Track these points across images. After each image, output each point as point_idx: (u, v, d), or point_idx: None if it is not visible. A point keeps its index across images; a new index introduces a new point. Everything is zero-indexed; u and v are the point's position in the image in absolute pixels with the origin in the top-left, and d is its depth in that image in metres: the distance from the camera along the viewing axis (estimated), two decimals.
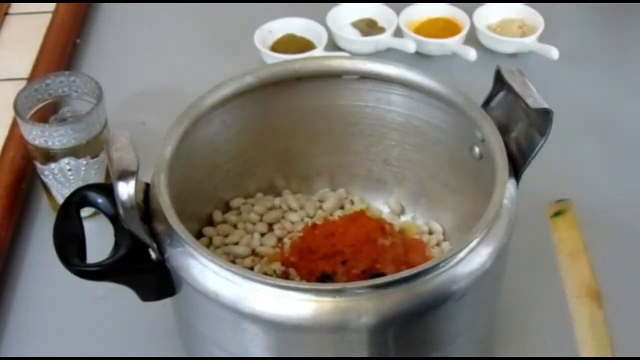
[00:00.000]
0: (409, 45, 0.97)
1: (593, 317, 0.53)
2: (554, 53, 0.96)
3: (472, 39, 1.00)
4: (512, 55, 0.99)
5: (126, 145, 0.57)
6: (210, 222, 0.74)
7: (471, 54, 0.96)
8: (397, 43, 0.99)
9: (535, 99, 0.60)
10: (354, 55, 0.95)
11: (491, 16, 1.02)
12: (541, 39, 0.98)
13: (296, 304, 0.53)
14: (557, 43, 0.97)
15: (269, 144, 0.73)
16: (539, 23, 0.99)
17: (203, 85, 0.67)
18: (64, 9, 1.04)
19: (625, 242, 0.77)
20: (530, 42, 0.98)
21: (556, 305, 0.72)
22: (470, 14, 1.00)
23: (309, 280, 0.66)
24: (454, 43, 0.98)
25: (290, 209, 0.75)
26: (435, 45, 0.98)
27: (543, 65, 0.97)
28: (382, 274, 0.64)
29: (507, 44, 0.99)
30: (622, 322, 0.71)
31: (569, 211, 0.58)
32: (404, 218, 0.75)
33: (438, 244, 0.72)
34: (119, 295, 0.62)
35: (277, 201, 0.75)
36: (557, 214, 0.58)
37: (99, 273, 0.57)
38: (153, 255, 0.58)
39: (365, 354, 0.56)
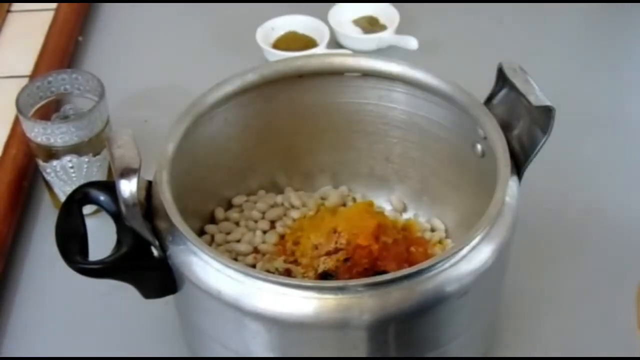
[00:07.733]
0: (411, 42, 0.97)
1: None
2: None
3: None
4: None
5: (128, 142, 0.57)
6: (212, 220, 0.74)
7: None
8: (399, 40, 0.99)
9: (537, 96, 0.59)
10: (356, 52, 0.95)
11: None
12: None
13: (298, 302, 0.53)
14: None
15: (271, 141, 0.73)
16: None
17: (205, 82, 0.67)
18: (66, 7, 1.04)
19: (625, 239, 0.77)
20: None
21: (557, 304, 0.73)
22: None
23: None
24: None
25: (293, 207, 0.75)
26: None
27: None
28: (384, 272, 0.64)
29: None
30: (621, 317, 0.71)
31: None
32: (406, 215, 0.75)
33: (440, 242, 0.72)
34: (121, 293, 0.62)
35: (279, 198, 0.75)
36: None
37: (101, 270, 0.57)
38: (155, 252, 0.58)
39: (366, 352, 0.56)
